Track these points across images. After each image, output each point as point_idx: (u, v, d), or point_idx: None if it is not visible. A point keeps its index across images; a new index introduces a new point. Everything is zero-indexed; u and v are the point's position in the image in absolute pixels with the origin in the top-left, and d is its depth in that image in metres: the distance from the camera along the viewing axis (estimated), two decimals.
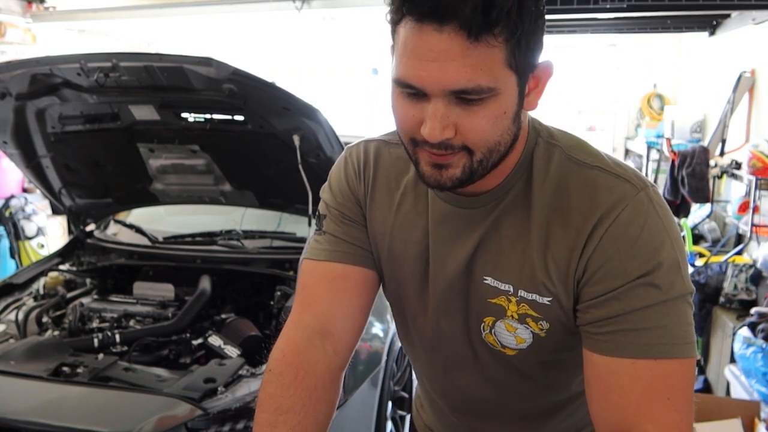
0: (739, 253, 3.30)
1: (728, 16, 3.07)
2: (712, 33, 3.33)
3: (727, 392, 2.84)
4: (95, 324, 2.29)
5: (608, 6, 2.52)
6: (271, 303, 2.34)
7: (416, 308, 0.98)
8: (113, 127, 2.39)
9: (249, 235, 2.68)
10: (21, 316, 2.26)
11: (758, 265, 2.97)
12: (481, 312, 0.90)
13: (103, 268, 2.66)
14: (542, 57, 0.77)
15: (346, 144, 1.04)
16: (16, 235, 4.39)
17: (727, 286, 3.09)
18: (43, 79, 2.12)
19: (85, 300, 2.47)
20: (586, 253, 0.80)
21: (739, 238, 3.50)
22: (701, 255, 3.48)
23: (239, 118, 2.24)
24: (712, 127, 3.79)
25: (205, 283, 2.40)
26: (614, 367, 0.78)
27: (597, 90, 5.83)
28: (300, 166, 2.18)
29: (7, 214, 4.36)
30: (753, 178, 3.03)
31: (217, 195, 2.65)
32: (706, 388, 3.11)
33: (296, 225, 2.71)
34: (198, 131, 2.37)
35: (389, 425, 2.42)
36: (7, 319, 2.30)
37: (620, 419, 0.77)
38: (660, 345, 0.77)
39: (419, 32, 0.71)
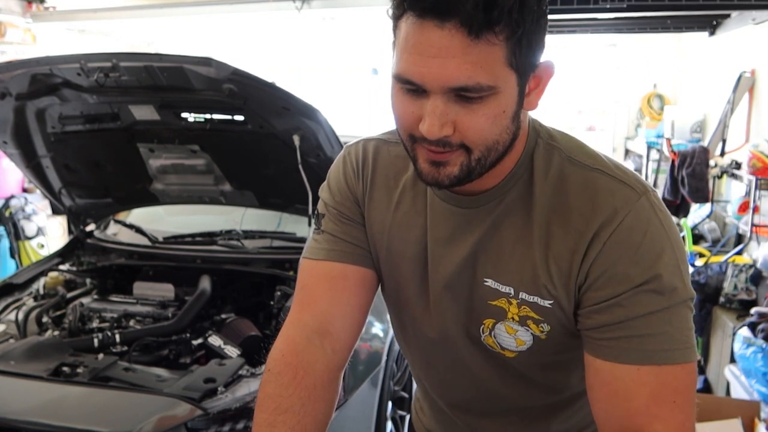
0: (739, 253, 3.30)
1: (728, 16, 3.07)
2: (712, 33, 3.33)
3: (727, 392, 2.84)
4: (95, 324, 2.29)
5: (608, 6, 2.51)
6: (271, 303, 2.34)
7: (415, 308, 0.97)
8: (113, 127, 2.39)
9: (249, 235, 2.68)
10: (21, 316, 2.26)
11: (758, 265, 2.97)
12: (481, 314, 0.90)
13: (103, 268, 2.66)
14: (543, 57, 0.77)
15: (346, 144, 1.04)
16: (16, 235, 4.39)
17: (727, 286, 3.09)
18: (43, 79, 2.12)
19: (85, 300, 2.47)
20: (589, 258, 0.79)
21: (739, 238, 3.50)
22: (701, 255, 3.48)
23: (239, 118, 2.24)
24: (712, 127, 3.79)
25: (205, 283, 2.40)
26: (618, 373, 0.79)
27: (597, 90, 5.83)
28: (300, 166, 2.18)
29: (7, 214, 4.37)
30: (753, 178, 3.03)
31: (217, 195, 2.65)
32: (706, 388, 3.11)
33: (296, 225, 2.71)
34: (198, 131, 2.37)
35: (389, 425, 2.42)
36: (7, 319, 2.30)
37: (627, 421, 0.78)
38: (664, 351, 0.77)
39: (420, 28, 0.71)
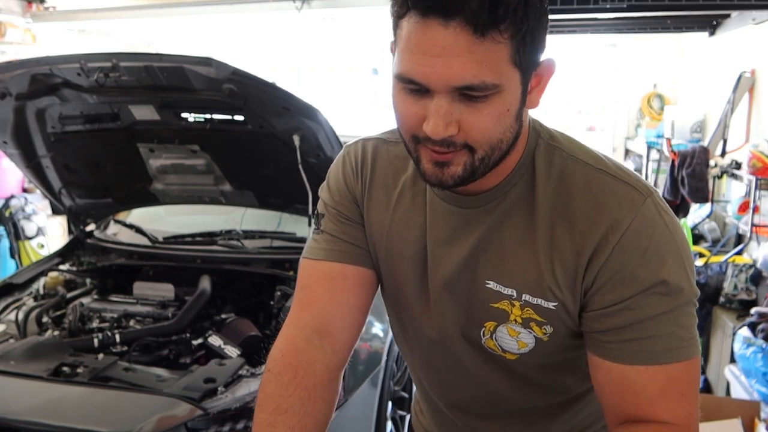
0: (739, 253, 3.30)
1: (728, 16, 3.06)
2: (712, 33, 3.33)
3: (727, 392, 2.84)
4: (95, 324, 2.29)
5: (608, 6, 2.51)
6: (271, 303, 2.34)
7: (414, 308, 0.97)
8: (113, 127, 2.39)
9: (249, 235, 2.68)
10: (21, 316, 2.26)
11: (758, 265, 2.97)
12: (482, 316, 0.89)
13: (103, 268, 2.66)
14: (544, 55, 0.77)
15: (346, 144, 1.04)
16: (16, 235, 4.39)
17: (727, 286, 3.09)
18: (43, 79, 2.12)
19: (85, 300, 2.47)
20: (597, 262, 0.79)
21: (739, 238, 3.50)
22: (701, 255, 3.48)
23: (239, 118, 2.24)
24: (712, 127, 3.79)
25: (205, 283, 2.40)
26: (627, 373, 0.80)
27: (597, 90, 5.83)
28: (300, 166, 2.18)
29: (7, 214, 4.37)
30: (753, 178, 3.03)
31: (217, 195, 2.65)
32: (706, 388, 3.11)
33: (296, 225, 2.71)
34: (198, 131, 2.37)
35: (389, 425, 2.42)
36: (7, 319, 2.30)
37: (637, 412, 0.80)
38: (671, 350, 0.79)
39: (424, 27, 0.70)
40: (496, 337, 0.90)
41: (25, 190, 4.57)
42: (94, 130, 2.41)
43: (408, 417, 2.51)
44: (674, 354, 0.79)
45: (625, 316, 0.79)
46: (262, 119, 2.17)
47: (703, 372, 3.19)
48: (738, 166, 3.38)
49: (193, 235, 2.74)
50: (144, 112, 2.29)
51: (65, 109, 2.32)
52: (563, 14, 2.69)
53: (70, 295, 2.49)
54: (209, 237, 2.70)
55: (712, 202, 3.60)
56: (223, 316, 2.28)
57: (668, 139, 4.15)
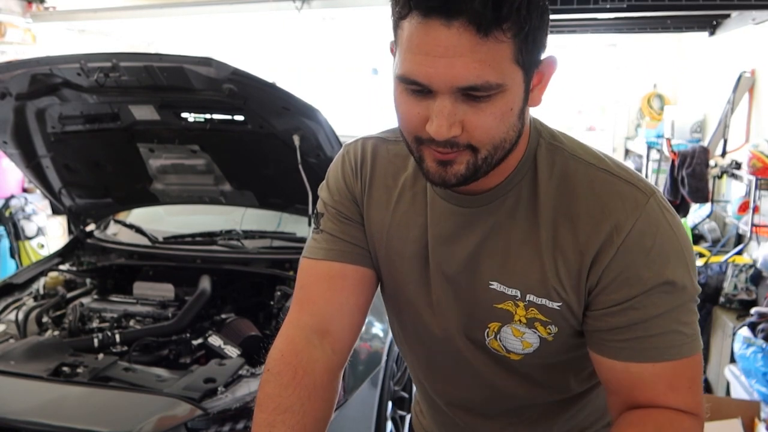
0: (739, 253, 3.30)
1: (728, 16, 3.06)
2: (712, 33, 3.32)
3: (727, 392, 2.84)
4: (95, 324, 2.29)
5: (608, 6, 2.51)
6: (271, 303, 2.34)
7: (415, 307, 0.97)
8: (113, 127, 2.39)
9: (249, 235, 2.68)
10: (21, 316, 2.26)
11: (758, 265, 2.97)
12: (486, 317, 0.89)
13: (103, 268, 2.66)
14: (545, 53, 0.77)
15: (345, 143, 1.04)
16: (16, 235, 4.39)
17: (727, 286, 3.10)
18: (43, 79, 2.12)
19: (85, 300, 2.47)
20: (601, 262, 0.80)
21: (739, 238, 3.50)
22: (701, 255, 3.48)
23: (239, 118, 2.24)
24: (712, 127, 3.79)
25: (205, 283, 2.40)
26: (634, 370, 0.81)
27: (597, 90, 5.83)
28: (300, 166, 2.18)
29: (7, 214, 4.36)
30: (753, 178, 3.03)
31: (217, 195, 2.65)
32: (706, 388, 3.11)
33: (296, 225, 2.71)
34: (198, 131, 2.37)
35: (389, 425, 2.42)
36: (7, 319, 2.31)
37: (646, 404, 0.82)
38: (676, 347, 0.79)
39: (426, 27, 0.70)
40: (500, 337, 0.89)
41: (25, 190, 4.57)
42: (94, 130, 2.41)
43: (408, 417, 2.51)
44: (679, 351, 0.79)
45: (629, 315, 0.79)
46: (262, 119, 2.17)
47: (704, 372, 3.19)
48: (738, 166, 3.38)
49: (193, 235, 2.74)
50: (144, 112, 2.29)
51: (65, 109, 2.32)
52: (563, 14, 2.69)
53: (70, 295, 2.49)
54: (209, 237, 2.70)
55: (712, 202, 3.60)
56: (223, 316, 2.28)
57: (668, 139, 4.15)
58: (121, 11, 5.08)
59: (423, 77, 0.72)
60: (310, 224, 2.28)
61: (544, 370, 0.93)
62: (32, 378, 1.84)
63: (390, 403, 2.43)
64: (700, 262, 3.30)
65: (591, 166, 0.84)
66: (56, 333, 2.21)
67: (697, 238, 3.85)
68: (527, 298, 0.85)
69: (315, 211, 1.01)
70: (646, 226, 0.79)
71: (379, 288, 1.03)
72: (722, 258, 3.25)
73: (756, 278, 3.05)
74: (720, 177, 3.60)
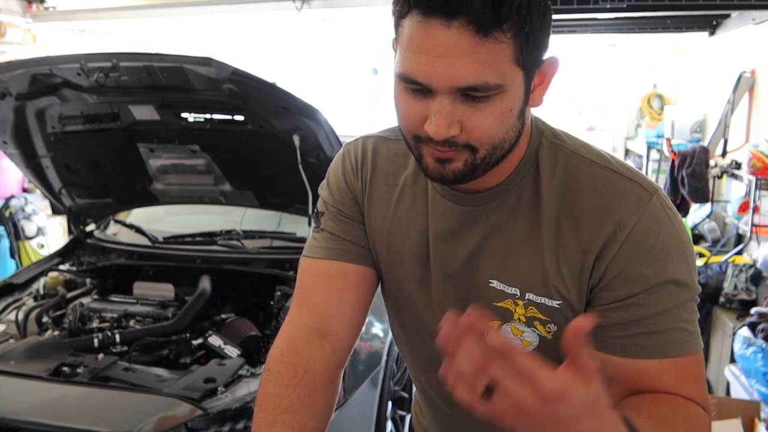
0: (739, 253, 3.30)
1: (728, 16, 3.06)
2: (712, 33, 3.33)
3: (727, 392, 2.84)
4: (95, 324, 2.29)
5: (608, 6, 2.51)
6: (271, 303, 2.34)
7: (416, 306, 0.97)
8: (113, 127, 2.39)
9: (249, 235, 2.68)
10: (21, 316, 2.26)
11: (758, 265, 2.97)
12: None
13: (103, 268, 2.66)
14: (547, 53, 0.77)
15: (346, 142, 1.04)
16: (16, 235, 4.39)
17: (727, 286, 3.10)
18: (43, 79, 2.12)
19: (85, 300, 2.47)
20: (604, 259, 0.79)
21: (739, 238, 3.50)
22: (701, 255, 3.48)
23: (239, 118, 2.24)
24: (712, 127, 3.79)
25: (205, 283, 2.40)
26: (638, 367, 0.80)
27: (597, 90, 5.83)
28: (300, 166, 2.18)
29: (7, 214, 4.37)
30: (753, 178, 3.03)
31: (217, 195, 2.65)
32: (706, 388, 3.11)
33: (296, 225, 2.71)
34: (198, 131, 2.37)
35: (389, 425, 2.42)
36: (7, 319, 2.31)
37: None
38: (679, 344, 0.79)
39: (426, 26, 0.70)
40: None
41: (25, 190, 4.57)
42: (94, 130, 2.41)
43: (408, 417, 2.51)
44: (681, 348, 0.79)
45: (631, 312, 0.79)
46: (262, 119, 2.17)
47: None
48: (738, 166, 3.38)
49: (193, 235, 2.74)
50: (144, 112, 2.29)
51: (65, 109, 2.32)
52: (563, 14, 2.69)
53: (70, 295, 2.49)
54: (209, 237, 2.70)
55: (712, 202, 3.60)
56: (223, 316, 2.28)
57: (668, 139, 4.15)
58: (121, 11, 5.08)
59: (422, 77, 0.72)
60: (310, 224, 2.28)
61: None
62: (32, 378, 1.84)
63: (390, 403, 2.43)
64: (700, 262, 3.30)
65: (594, 164, 0.84)
66: (56, 333, 2.21)
67: (697, 238, 3.85)
68: (527, 297, 0.85)
69: (315, 210, 1.01)
70: (650, 223, 0.79)
71: (379, 287, 1.02)
72: (722, 258, 3.25)
73: (756, 278, 3.05)
74: (720, 177, 3.60)
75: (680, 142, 4.13)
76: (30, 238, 4.46)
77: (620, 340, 0.80)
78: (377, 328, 2.36)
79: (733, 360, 2.74)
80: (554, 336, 0.86)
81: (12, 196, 4.44)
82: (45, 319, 2.31)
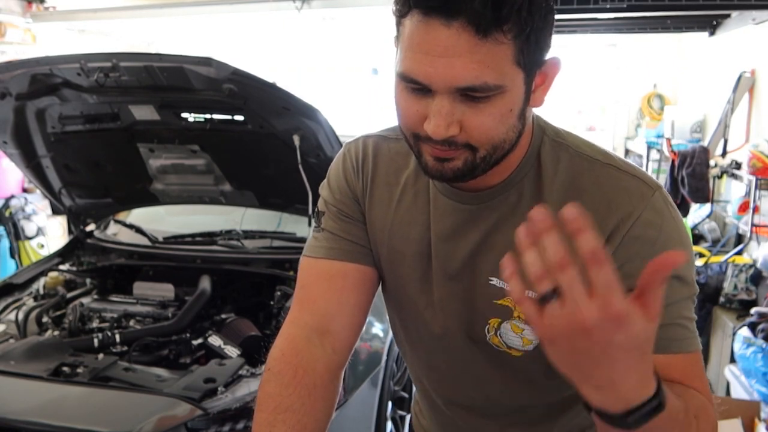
0: (739, 253, 3.30)
1: (728, 16, 3.07)
2: (712, 33, 3.33)
3: (727, 392, 2.84)
4: (95, 324, 2.29)
5: (608, 6, 2.52)
6: (271, 303, 2.34)
7: (417, 306, 0.97)
8: (113, 127, 2.39)
9: (249, 235, 2.68)
10: (21, 316, 2.26)
11: (758, 265, 2.97)
12: (486, 313, 0.89)
13: (103, 268, 2.66)
14: (549, 53, 0.77)
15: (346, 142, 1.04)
16: (16, 235, 4.39)
17: (727, 286, 3.10)
18: (43, 79, 2.12)
19: (85, 300, 2.47)
20: (606, 252, 0.79)
21: (739, 238, 3.50)
22: (701, 255, 3.48)
23: (239, 118, 2.24)
24: (712, 127, 3.79)
25: (205, 283, 2.40)
26: None
27: (597, 90, 5.83)
28: (300, 166, 2.18)
29: (7, 214, 4.37)
30: (753, 178, 3.03)
31: (217, 195, 2.65)
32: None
33: (296, 225, 2.71)
34: (198, 131, 2.37)
35: (389, 425, 2.42)
36: (7, 319, 2.31)
37: None
38: (680, 340, 0.79)
39: (426, 26, 0.70)
40: (500, 333, 0.89)
41: (25, 190, 4.57)
42: (94, 130, 2.41)
43: (408, 417, 2.51)
44: (682, 344, 0.79)
45: None
46: (262, 119, 2.17)
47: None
48: (738, 166, 3.38)
49: (193, 235, 2.74)
50: (144, 112, 2.29)
51: (65, 109, 2.32)
52: (563, 14, 2.69)
53: (70, 295, 2.49)
54: (209, 237, 2.70)
55: (712, 202, 3.60)
56: (223, 316, 2.28)
57: (668, 139, 4.15)
58: (121, 11, 5.08)
59: (422, 76, 0.72)
60: (310, 224, 2.28)
61: (545, 369, 0.92)
62: (32, 378, 1.84)
63: (390, 403, 2.43)
64: (700, 262, 3.30)
65: (596, 162, 0.84)
66: (56, 333, 2.21)
67: (697, 238, 3.85)
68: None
69: (316, 210, 1.01)
70: (652, 218, 0.79)
71: (380, 287, 1.02)
72: (722, 258, 3.25)
73: (756, 278, 3.05)
74: (720, 177, 3.61)
75: (680, 142, 4.13)
76: (30, 238, 4.46)
77: None
78: (377, 328, 2.36)
79: (733, 360, 2.74)
80: None
81: (12, 196, 4.44)
82: (45, 319, 2.31)
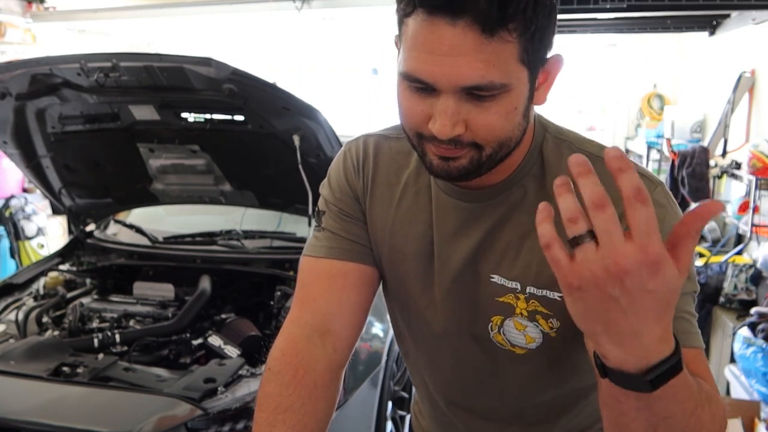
0: (739, 253, 3.30)
1: (728, 16, 3.07)
2: (712, 33, 3.33)
3: (727, 392, 2.83)
4: (95, 324, 2.29)
5: (608, 6, 2.52)
6: (271, 303, 2.34)
7: (419, 305, 0.96)
8: (113, 127, 2.39)
9: (249, 235, 2.68)
10: (21, 316, 2.26)
11: (758, 265, 2.97)
12: (489, 311, 0.89)
13: (103, 268, 2.66)
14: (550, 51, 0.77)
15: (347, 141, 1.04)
16: (16, 235, 4.39)
17: (727, 286, 3.09)
18: (43, 79, 2.12)
19: (85, 300, 2.47)
20: None
21: (739, 238, 3.50)
22: (701, 255, 3.48)
23: (239, 118, 2.24)
24: (712, 127, 3.79)
25: (205, 283, 2.40)
26: None
27: (597, 90, 5.83)
28: (300, 166, 2.18)
29: (7, 214, 4.37)
30: (753, 178, 3.03)
31: (217, 195, 2.65)
32: None
33: (296, 225, 2.71)
34: (198, 131, 2.37)
35: (389, 425, 2.42)
36: (7, 319, 2.31)
37: None
38: (685, 333, 0.77)
39: (431, 25, 0.69)
40: (503, 331, 0.89)
41: (25, 190, 4.57)
42: (94, 130, 2.41)
43: (408, 417, 2.51)
44: (688, 338, 0.77)
45: None
46: (262, 119, 2.17)
47: None
48: (738, 166, 3.38)
49: (193, 235, 2.74)
50: (144, 112, 2.29)
51: (65, 109, 2.32)
52: (563, 14, 2.69)
53: (70, 295, 2.49)
54: (209, 237, 2.70)
55: None
56: (223, 316, 2.28)
57: (668, 139, 4.15)
58: (121, 11, 5.08)
59: (427, 76, 0.71)
60: (310, 224, 2.28)
61: (547, 369, 0.93)
62: (32, 378, 1.84)
63: (390, 403, 2.43)
64: (700, 262, 3.30)
65: (598, 159, 0.83)
66: (56, 333, 2.21)
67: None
68: (527, 291, 0.85)
69: (316, 209, 1.01)
70: (655, 209, 0.78)
71: (380, 287, 1.02)
72: (722, 258, 3.25)
73: (756, 278, 3.05)
74: (720, 177, 3.60)
75: (680, 142, 4.13)
76: (30, 238, 4.46)
77: None
78: (377, 328, 2.36)
79: (733, 360, 2.74)
80: (558, 334, 0.86)
81: (12, 196, 4.44)
82: (45, 319, 2.31)
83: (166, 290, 2.51)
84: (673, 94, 5.24)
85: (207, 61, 1.94)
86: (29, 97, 2.21)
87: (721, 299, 3.10)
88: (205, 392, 1.76)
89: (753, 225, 3.08)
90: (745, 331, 2.62)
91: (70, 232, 3.24)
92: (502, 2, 0.66)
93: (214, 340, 2.09)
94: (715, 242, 3.72)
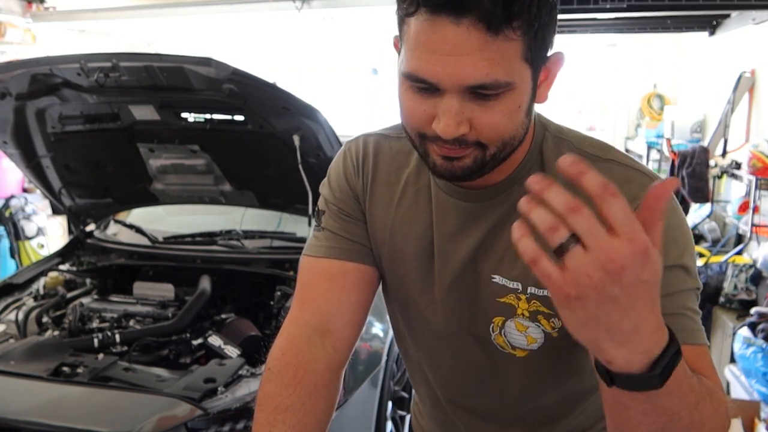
0: (739, 253, 3.30)
1: (728, 16, 3.07)
2: (712, 33, 3.33)
3: (727, 392, 2.83)
4: (95, 324, 2.29)
5: (608, 6, 2.52)
6: (271, 303, 2.34)
7: (419, 305, 0.96)
8: (113, 127, 2.39)
9: (249, 235, 2.68)
10: (21, 316, 2.26)
11: (758, 265, 2.97)
12: (490, 312, 0.89)
13: (103, 268, 2.66)
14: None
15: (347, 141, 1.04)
16: (16, 235, 4.39)
17: (727, 286, 3.10)
18: (43, 79, 2.12)
19: (85, 300, 2.47)
20: None
21: (739, 238, 3.50)
22: (701, 255, 3.48)
23: (239, 118, 2.24)
24: (712, 127, 3.79)
25: (205, 283, 2.40)
26: None
27: (597, 90, 5.83)
28: (300, 166, 2.18)
29: (7, 214, 4.37)
30: (753, 178, 3.03)
31: (217, 195, 2.65)
32: None
33: (296, 225, 2.71)
34: (198, 131, 2.37)
35: (389, 425, 2.42)
36: (7, 319, 2.30)
37: None
38: (688, 331, 0.76)
39: (434, 24, 0.69)
40: (504, 332, 0.89)
41: (25, 190, 4.57)
42: (94, 130, 2.41)
43: (408, 417, 2.51)
44: (691, 335, 0.76)
45: None
46: (262, 119, 2.17)
47: None
48: (738, 166, 3.38)
49: (193, 235, 2.74)
50: (144, 112, 2.29)
51: (65, 109, 2.32)
52: (563, 14, 2.69)
53: (70, 295, 2.49)
54: (209, 237, 2.70)
55: (712, 202, 3.60)
56: (223, 316, 2.28)
57: (668, 139, 4.15)
58: (121, 11, 5.09)
59: (430, 75, 0.71)
60: (310, 224, 2.28)
61: (547, 371, 0.92)
62: (32, 378, 1.84)
63: (390, 403, 2.43)
64: (700, 262, 3.31)
65: (598, 158, 0.84)
66: (56, 333, 2.21)
67: (697, 238, 3.85)
68: (529, 291, 0.85)
69: (316, 209, 1.01)
70: None
71: (380, 287, 1.02)
72: (722, 258, 3.25)
73: (756, 278, 3.05)
74: (720, 177, 3.61)
75: (680, 142, 4.13)
76: (30, 238, 4.46)
77: None
78: (377, 328, 2.36)
79: (733, 360, 2.74)
80: (560, 333, 0.85)
81: (12, 196, 4.44)
82: (45, 319, 2.31)
83: (166, 290, 2.51)
84: (673, 94, 5.24)
85: (207, 61, 1.94)
86: (29, 97, 2.21)
87: (721, 299, 3.10)
88: (205, 392, 1.76)
89: (753, 225, 3.08)
90: (745, 331, 2.62)
91: (70, 232, 3.24)
92: (507, 0, 0.66)
93: (214, 340, 2.09)
94: (715, 242, 3.72)
